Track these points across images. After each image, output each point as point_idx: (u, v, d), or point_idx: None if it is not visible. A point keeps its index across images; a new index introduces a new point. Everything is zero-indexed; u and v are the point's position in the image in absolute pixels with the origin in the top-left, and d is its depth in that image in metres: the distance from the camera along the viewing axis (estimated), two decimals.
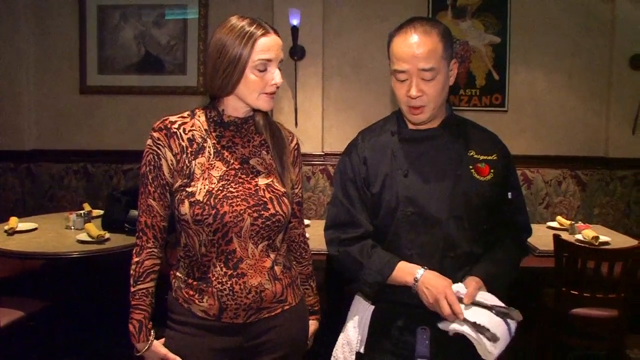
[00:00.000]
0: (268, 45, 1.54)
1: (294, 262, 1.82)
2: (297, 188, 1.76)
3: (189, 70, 4.40)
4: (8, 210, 4.06)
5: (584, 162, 4.40)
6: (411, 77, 1.61)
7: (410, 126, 1.74)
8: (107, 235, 3.14)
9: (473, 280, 1.61)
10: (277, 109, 4.36)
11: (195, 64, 4.38)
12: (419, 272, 1.61)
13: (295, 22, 4.03)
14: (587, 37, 4.35)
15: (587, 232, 3.31)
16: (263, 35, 1.54)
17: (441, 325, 1.59)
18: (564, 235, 3.36)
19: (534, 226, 3.68)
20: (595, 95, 4.39)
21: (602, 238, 3.27)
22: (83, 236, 3.14)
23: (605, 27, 4.33)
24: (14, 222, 3.36)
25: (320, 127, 4.38)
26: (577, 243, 3.21)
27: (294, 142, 1.78)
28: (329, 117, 4.41)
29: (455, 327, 1.55)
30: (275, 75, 1.56)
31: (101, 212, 3.55)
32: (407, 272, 1.62)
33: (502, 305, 1.58)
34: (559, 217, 3.78)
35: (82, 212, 3.52)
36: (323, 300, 2.79)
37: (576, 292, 3.01)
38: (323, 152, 4.41)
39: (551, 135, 4.42)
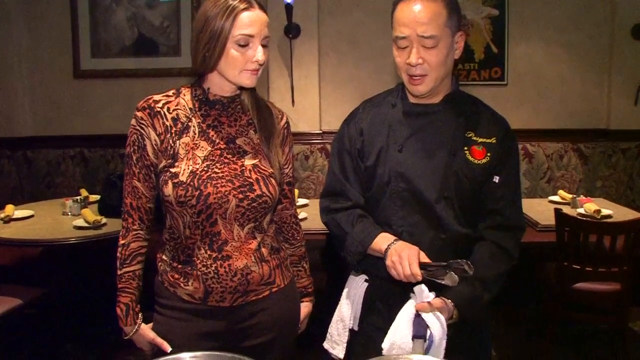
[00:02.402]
0: (250, 20, 1.48)
1: (286, 244, 1.79)
2: (287, 168, 1.72)
3: (183, 51, 4.34)
4: (5, 198, 4.02)
5: (585, 134, 4.33)
6: (412, 43, 1.54)
7: (412, 100, 1.68)
8: (104, 220, 3.12)
9: (439, 302, 1.51)
10: (274, 87, 4.30)
11: (189, 45, 4.30)
12: (395, 241, 1.55)
13: None
14: (587, 7, 4.25)
15: (588, 206, 3.27)
16: (245, 9, 1.48)
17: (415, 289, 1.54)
18: (566, 210, 3.32)
19: (535, 200, 3.78)
20: (596, 66, 4.31)
21: (604, 211, 3.23)
22: (79, 222, 3.12)
23: None
24: (10, 209, 3.34)
25: (318, 106, 4.33)
26: (579, 217, 3.17)
27: (284, 120, 1.73)
28: (326, 96, 4.35)
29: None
30: (257, 52, 1.50)
31: (98, 197, 3.53)
32: (384, 240, 1.56)
33: (423, 337, 1.49)
34: (560, 191, 3.74)
35: (78, 197, 3.50)
36: (322, 280, 2.77)
37: (578, 267, 2.98)
38: (321, 130, 4.36)
39: (552, 108, 4.35)
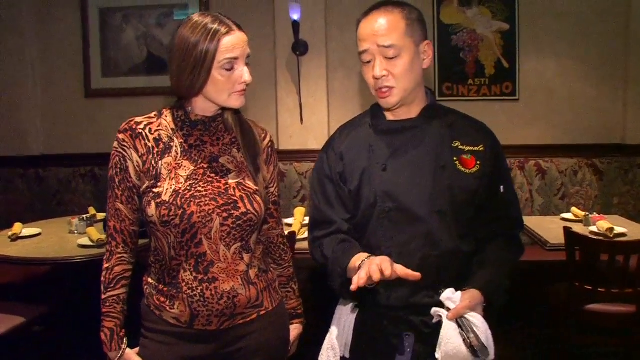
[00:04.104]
0: (232, 44, 1.48)
1: (273, 265, 1.76)
2: (272, 187, 1.71)
3: None
4: (17, 216, 4.06)
5: (600, 150, 4.23)
6: (374, 56, 1.56)
7: (389, 117, 1.66)
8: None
9: (468, 298, 1.50)
10: (282, 105, 4.30)
11: None
12: (368, 257, 1.48)
13: (295, 16, 3.96)
14: (600, 20, 4.17)
15: (601, 224, 3.17)
16: (226, 33, 1.48)
17: (433, 311, 1.53)
18: (579, 227, 3.25)
19: (548, 218, 3.68)
20: (611, 80, 4.21)
21: (618, 229, 3.13)
22: (84, 240, 3.12)
23: (620, 9, 4.15)
24: (18, 228, 3.36)
25: (327, 123, 4.30)
26: (591, 235, 3.07)
27: (267, 139, 1.72)
28: (335, 112, 4.32)
29: (437, 309, 1.52)
30: (244, 73, 1.51)
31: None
32: (359, 258, 1.49)
33: (478, 337, 1.48)
34: (573, 209, 3.64)
35: (84, 216, 3.51)
36: (312, 301, 2.72)
37: (590, 287, 2.88)
38: None
39: (565, 123, 4.26)
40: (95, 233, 3.12)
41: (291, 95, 4.27)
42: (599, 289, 2.86)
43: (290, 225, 3.35)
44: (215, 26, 1.47)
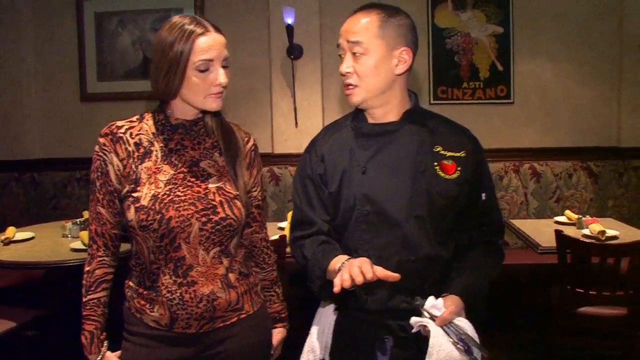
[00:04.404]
0: (208, 45, 1.47)
1: (257, 268, 1.75)
2: (255, 191, 1.70)
3: None
4: (12, 220, 4.06)
5: (595, 152, 4.23)
6: (345, 52, 1.58)
7: (370, 120, 1.66)
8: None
9: (452, 304, 1.50)
10: (277, 109, 4.31)
11: None
12: (348, 259, 1.48)
13: (289, 20, 3.96)
14: (594, 22, 4.18)
15: (593, 227, 3.16)
16: (202, 34, 1.48)
17: (412, 321, 1.51)
18: (572, 230, 3.24)
19: (542, 221, 3.67)
20: (606, 82, 4.22)
21: (610, 232, 3.12)
22: (77, 244, 3.12)
23: (614, 10, 4.16)
24: (11, 232, 3.37)
25: (321, 126, 4.20)
26: (583, 238, 3.06)
27: (250, 143, 1.71)
28: (330, 116, 4.32)
29: (418, 320, 1.50)
30: (219, 76, 1.50)
31: None
32: (339, 260, 1.49)
33: (472, 338, 1.48)
34: (567, 212, 3.63)
35: (78, 220, 3.52)
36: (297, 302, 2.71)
37: (582, 290, 2.88)
38: None
39: (560, 126, 4.26)
40: (87, 237, 3.12)
41: (286, 99, 4.28)
42: (591, 292, 2.86)
43: (283, 229, 3.35)
44: (192, 27, 1.47)
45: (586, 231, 3.21)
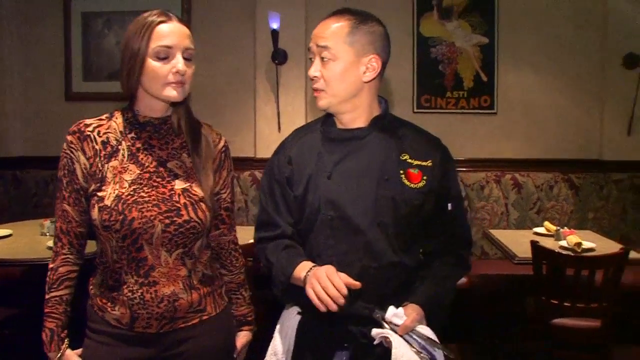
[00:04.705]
0: (167, 32, 1.48)
1: (224, 270, 1.75)
2: (224, 193, 1.70)
3: None
4: None
5: (577, 165, 4.25)
6: (315, 56, 1.59)
7: (339, 125, 1.66)
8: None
9: (414, 312, 1.51)
10: (260, 113, 4.31)
11: None
12: (312, 267, 1.50)
13: (275, 25, 3.97)
14: (578, 35, 4.21)
15: (570, 239, 3.18)
16: (162, 22, 1.48)
17: (374, 332, 1.51)
18: (550, 242, 3.26)
19: (520, 232, 3.69)
20: (589, 95, 4.25)
21: (586, 244, 3.14)
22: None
23: (598, 24, 4.19)
24: None
25: None
26: (560, 250, 3.08)
27: (221, 144, 1.70)
28: None
29: (379, 331, 1.49)
30: (177, 63, 1.48)
31: None
32: (303, 268, 1.52)
33: (435, 341, 1.49)
34: (546, 223, 3.65)
35: None
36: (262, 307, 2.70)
37: (556, 302, 2.89)
38: None
39: (542, 138, 4.29)
40: None
41: (269, 104, 4.28)
42: (565, 303, 2.87)
43: None
44: (153, 17, 1.48)
45: (563, 243, 3.23)
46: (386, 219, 1.55)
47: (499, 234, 3.56)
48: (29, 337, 3.27)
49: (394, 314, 1.49)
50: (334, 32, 1.55)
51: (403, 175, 1.58)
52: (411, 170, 1.59)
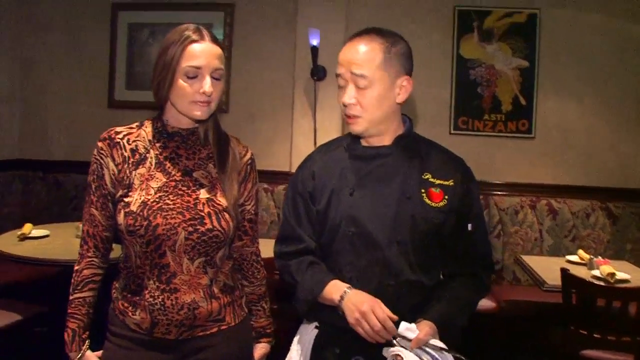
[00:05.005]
0: (198, 52, 1.51)
1: (245, 282, 1.77)
2: (248, 205, 1.72)
3: None
4: (34, 217, 4.18)
5: (616, 193, 4.14)
6: (347, 82, 1.57)
7: (363, 143, 1.67)
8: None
9: (427, 326, 1.50)
10: (297, 128, 4.35)
11: None
12: (347, 290, 1.53)
13: (315, 42, 4.02)
14: (621, 62, 4.13)
15: (604, 268, 3.09)
16: (195, 41, 1.51)
17: (385, 352, 1.51)
18: (582, 270, 3.18)
19: (553, 259, 3.61)
20: (630, 123, 4.15)
21: (620, 275, 3.04)
22: None
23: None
24: (27, 228, 3.45)
25: None
26: (592, 279, 3.00)
27: (247, 157, 1.73)
28: None
29: (391, 349, 1.49)
30: (204, 84, 1.51)
31: None
32: (335, 290, 1.54)
33: (446, 349, 1.48)
34: (580, 251, 3.56)
35: None
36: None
37: (585, 332, 2.81)
38: None
39: (581, 165, 4.20)
40: None
41: (307, 119, 4.32)
42: (595, 335, 2.79)
43: None
44: (188, 33, 1.52)
45: (596, 272, 3.14)
46: (405, 237, 1.56)
47: (530, 260, 3.49)
48: (60, 335, 3.38)
49: (406, 328, 1.49)
50: (368, 58, 1.55)
51: (424, 194, 1.59)
52: (433, 190, 1.60)
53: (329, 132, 4.28)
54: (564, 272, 2.82)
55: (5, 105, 4.59)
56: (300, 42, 4.25)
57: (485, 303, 3.64)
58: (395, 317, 1.46)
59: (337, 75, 1.60)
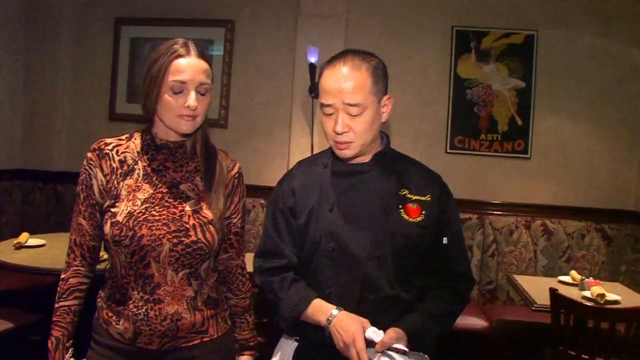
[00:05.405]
0: (183, 67, 1.53)
1: (230, 294, 1.78)
2: (235, 218, 1.74)
3: (212, 102, 4.49)
4: (31, 227, 4.22)
5: (611, 215, 4.15)
6: (337, 111, 1.56)
7: (342, 159, 1.70)
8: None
9: (392, 331, 1.52)
10: (294, 145, 4.39)
11: (218, 97, 4.48)
12: (334, 312, 1.55)
13: (313, 59, 4.07)
14: (617, 84, 4.17)
15: (594, 289, 3.09)
16: (181, 56, 1.54)
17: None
18: (574, 291, 3.18)
19: (545, 279, 3.61)
20: (626, 145, 4.18)
21: (611, 296, 3.04)
22: None
23: (637, 73, 4.14)
24: (24, 237, 3.47)
25: None
26: (583, 300, 3.01)
27: (235, 170, 1.75)
28: None
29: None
30: (189, 98, 1.54)
31: None
32: (321, 311, 1.56)
33: (410, 352, 1.50)
34: (572, 272, 3.56)
35: None
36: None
37: (574, 353, 2.81)
38: None
39: (577, 186, 4.22)
40: None
41: (304, 136, 4.36)
42: (583, 355, 2.79)
43: None
44: (175, 47, 1.54)
45: (587, 293, 3.14)
46: (384, 253, 1.58)
47: (522, 280, 3.50)
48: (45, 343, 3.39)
49: (373, 331, 1.51)
50: (360, 86, 1.54)
51: (402, 210, 1.61)
52: (410, 205, 1.62)
53: (326, 148, 4.31)
54: (553, 291, 2.82)
55: (8, 114, 4.65)
56: (299, 60, 4.31)
57: (478, 322, 3.65)
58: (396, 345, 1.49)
59: (324, 105, 1.59)
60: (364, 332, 1.50)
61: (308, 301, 1.59)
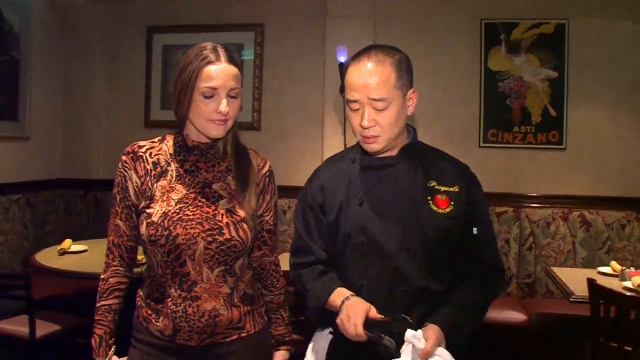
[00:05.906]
0: (213, 73, 1.56)
1: (264, 291, 1.81)
2: (267, 216, 1.77)
3: (244, 106, 4.57)
4: (74, 234, 4.35)
5: None
6: (363, 106, 1.58)
7: (370, 154, 1.72)
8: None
9: (433, 334, 1.51)
10: (327, 144, 4.41)
11: (250, 101, 4.55)
12: (350, 297, 1.56)
13: (342, 59, 4.09)
14: None
15: (636, 279, 3.03)
16: (211, 62, 1.56)
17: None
18: (615, 282, 3.12)
19: (584, 270, 3.56)
20: None
21: None
22: None
23: None
24: (67, 243, 3.60)
25: None
26: (623, 290, 2.95)
27: (265, 169, 1.78)
28: None
29: None
30: (221, 104, 1.58)
31: None
32: (338, 297, 1.58)
33: None
34: (612, 262, 3.50)
35: None
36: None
37: (615, 345, 2.76)
38: None
39: (614, 176, 4.14)
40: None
41: (336, 135, 4.38)
42: (626, 347, 2.73)
43: None
44: (206, 53, 1.57)
45: (628, 283, 3.09)
46: (414, 245, 1.59)
47: (560, 272, 3.45)
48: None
49: (412, 335, 1.50)
50: (384, 81, 1.56)
51: (431, 202, 1.62)
52: (439, 196, 1.63)
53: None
54: (591, 282, 2.78)
55: (49, 127, 4.80)
56: (329, 60, 4.34)
57: (517, 316, 3.62)
58: (379, 317, 1.50)
59: (350, 101, 1.61)
60: (368, 312, 1.52)
61: (331, 290, 1.61)
